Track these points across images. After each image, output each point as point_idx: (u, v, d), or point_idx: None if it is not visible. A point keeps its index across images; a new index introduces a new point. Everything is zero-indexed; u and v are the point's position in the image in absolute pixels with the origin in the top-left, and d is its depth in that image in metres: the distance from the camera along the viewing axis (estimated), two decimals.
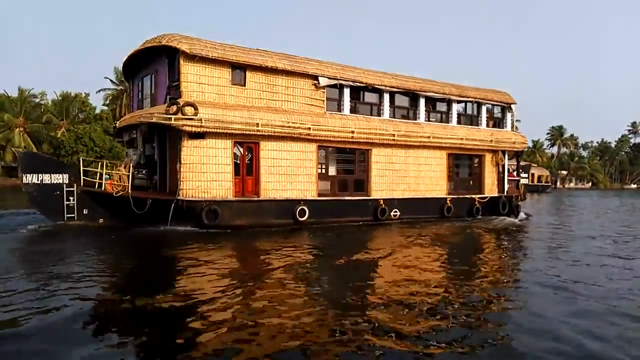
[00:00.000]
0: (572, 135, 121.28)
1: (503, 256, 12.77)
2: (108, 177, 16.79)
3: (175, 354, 5.26)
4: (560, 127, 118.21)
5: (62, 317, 6.33)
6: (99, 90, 67.55)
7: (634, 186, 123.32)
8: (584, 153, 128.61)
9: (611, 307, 7.19)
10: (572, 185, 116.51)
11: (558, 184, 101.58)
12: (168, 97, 16.25)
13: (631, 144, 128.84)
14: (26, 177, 15.41)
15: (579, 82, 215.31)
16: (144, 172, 17.20)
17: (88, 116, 65.00)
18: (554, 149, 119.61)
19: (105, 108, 67.85)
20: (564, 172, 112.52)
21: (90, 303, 7.06)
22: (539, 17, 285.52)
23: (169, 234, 14.85)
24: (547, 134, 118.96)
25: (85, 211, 16.17)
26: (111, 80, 66.87)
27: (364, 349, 5.37)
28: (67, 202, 15.86)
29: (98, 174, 17.03)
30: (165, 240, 14.02)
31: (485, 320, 6.59)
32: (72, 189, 15.94)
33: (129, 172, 16.19)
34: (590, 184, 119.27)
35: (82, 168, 16.28)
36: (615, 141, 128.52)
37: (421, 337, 5.75)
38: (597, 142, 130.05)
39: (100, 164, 17.18)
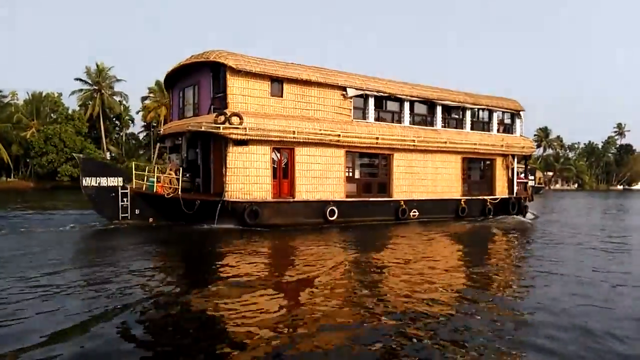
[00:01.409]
0: (558, 137, 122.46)
1: (516, 249, 14.41)
2: (154, 180, 18.44)
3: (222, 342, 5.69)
4: (546, 129, 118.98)
5: (126, 302, 7.19)
6: (73, 93, 68.19)
7: (619, 187, 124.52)
8: (571, 154, 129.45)
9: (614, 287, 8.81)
10: (557, 186, 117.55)
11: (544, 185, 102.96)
12: (212, 107, 17.94)
13: (617, 146, 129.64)
14: (85, 180, 17.05)
15: (565, 83, 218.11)
16: (187, 175, 18.81)
17: (60, 116, 65.22)
18: (540, 150, 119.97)
19: (78, 109, 68.17)
20: (550, 174, 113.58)
21: (153, 291, 7.95)
22: (524, 17, 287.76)
23: (217, 232, 16.43)
24: (534, 135, 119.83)
25: (137, 211, 17.81)
26: (83, 81, 67.55)
27: (383, 331, 6.08)
28: (122, 203, 17.50)
29: (145, 177, 18.72)
30: (214, 237, 15.62)
31: (514, 307, 7.59)
32: (126, 191, 17.58)
33: (178, 175, 17.81)
34: (576, 185, 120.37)
35: (134, 172, 17.95)
36: (602, 142, 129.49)
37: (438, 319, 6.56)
38: (584, 144, 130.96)
39: (147, 168, 18.83)
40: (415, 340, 5.74)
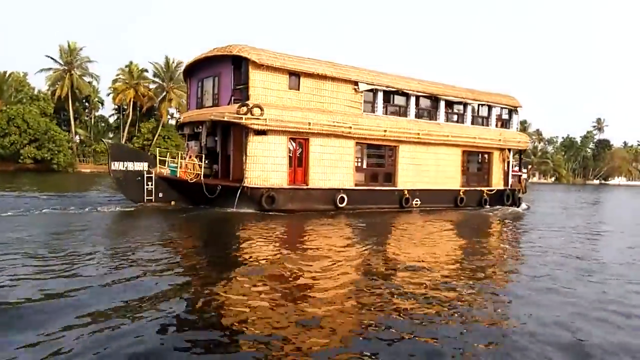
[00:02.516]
0: (537, 130, 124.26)
1: (512, 236, 15.70)
2: (176, 165, 19.60)
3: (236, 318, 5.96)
4: (524, 122, 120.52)
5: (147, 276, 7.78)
6: (40, 71, 67.05)
7: (596, 182, 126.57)
8: (549, 148, 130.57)
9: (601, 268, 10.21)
10: (534, 179, 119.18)
11: None
12: (233, 98, 19.09)
13: (595, 140, 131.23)
14: (114, 164, 18.20)
15: (546, 78, 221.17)
16: (206, 162, 19.97)
17: (25, 96, 64.60)
18: None
19: (47, 89, 67.35)
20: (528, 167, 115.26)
21: (179, 269, 8.56)
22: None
23: (237, 215, 17.63)
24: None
25: (160, 194, 19.00)
26: (54, 60, 66.56)
27: (385, 311, 6.46)
28: (147, 187, 18.68)
29: (167, 162, 19.86)
30: (236, 219, 16.71)
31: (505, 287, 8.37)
32: (151, 175, 18.74)
33: (200, 162, 19.00)
34: (553, 178, 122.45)
35: (158, 157, 19.11)
36: (581, 137, 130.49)
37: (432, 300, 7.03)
38: (563, 138, 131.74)
39: (169, 154, 20.00)
40: (419, 320, 6.08)
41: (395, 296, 7.11)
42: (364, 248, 11.50)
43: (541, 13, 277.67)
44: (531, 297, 7.33)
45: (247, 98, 18.14)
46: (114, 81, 71.45)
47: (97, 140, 71.71)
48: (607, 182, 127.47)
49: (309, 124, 18.88)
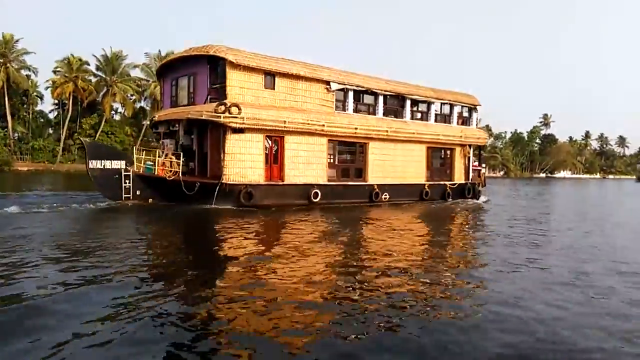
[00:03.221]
0: (487, 126, 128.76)
1: (473, 226, 16.93)
2: (152, 164, 19.86)
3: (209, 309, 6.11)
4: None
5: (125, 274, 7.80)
6: None
7: (542, 175, 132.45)
8: (498, 143, 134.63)
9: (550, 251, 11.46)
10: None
11: None
12: (209, 97, 19.53)
13: (542, 135, 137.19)
14: (92, 162, 18.32)
15: (496, 74, 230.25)
16: (182, 159, 20.29)
17: None
18: None
19: None
20: None
21: (159, 262, 8.87)
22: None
23: (217, 211, 18.06)
24: None
25: (138, 192, 19.24)
26: None
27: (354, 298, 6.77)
28: (125, 185, 18.88)
29: (142, 160, 20.08)
30: (216, 215, 17.14)
31: (462, 275, 8.82)
32: (129, 173, 18.96)
33: (177, 159, 19.34)
34: (502, 172, 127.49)
35: (135, 156, 19.34)
36: (528, 132, 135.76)
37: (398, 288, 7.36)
38: (511, 133, 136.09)
39: (143, 152, 20.25)
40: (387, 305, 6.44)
41: (370, 285, 7.44)
42: (339, 240, 12.10)
43: (489, 12, 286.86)
44: (489, 278, 8.15)
45: (225, 97, 18.63)
46: (53, 74, 68.39)
47: (36, 137, 69.00)
48: (553, 176, 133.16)
49: (285, 122, 19.56)
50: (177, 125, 20.43)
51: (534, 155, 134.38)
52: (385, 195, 23.12)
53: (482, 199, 27.08)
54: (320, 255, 10.09)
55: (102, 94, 70.06)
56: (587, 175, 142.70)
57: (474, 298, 6.95)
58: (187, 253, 10.29)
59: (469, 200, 26.01)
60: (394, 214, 19.42)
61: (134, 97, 72.72)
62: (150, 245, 11.08)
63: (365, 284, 7.54)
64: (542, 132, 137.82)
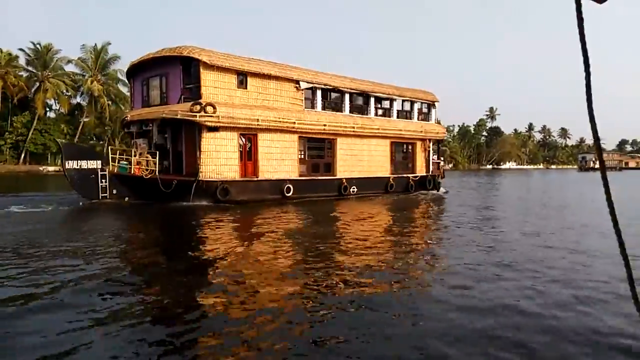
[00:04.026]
0: (436, 120, 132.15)
1: (433, 215, 18.21)
2: (126, 163, 20.12)
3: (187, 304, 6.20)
4: None
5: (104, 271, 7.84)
6: None
7: (489, 167, 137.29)
8: (447, 136, 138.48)
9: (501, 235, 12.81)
10: None
11: None
12: (182, 97, 19.98)
13: (488, 128, 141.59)
14: (68, 163, 18.45)
15: (443, 69, 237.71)
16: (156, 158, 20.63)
17: None
18: None
19: None
20: None
21: (137, 261, 8.89)
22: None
23: (195, 207, 18.50)
24: None
25: (114, 191, 19.48)
26: None
27: (326, 285, 7.01)
28: (101, 184, 19.09)
29: (117, 160, 20.30)
30: (194, 212, 17.52)
31: (423, 260, 9.81)
32: (105, 172, 19.18)
33: (154, 158, 19.70)
34: (451, 165, 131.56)
35: (110, 155, 19.56)
36: (474, 125, 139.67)
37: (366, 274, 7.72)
38: (459, 126, 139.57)
39: (118, 151, 20.49)
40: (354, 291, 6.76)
41: (344, 272, 7.87)
42: (313, 232, 12.80)
43: (438, 10, 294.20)
44: (447, 261, 9.02)
45: (199, 97, 19.13)
46: None
47: None
48: (499, 167, 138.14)
49: (258, 120, 20.26)
50: (150, 125, 20.72)
51: (480, 147, 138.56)
52: (353, 188, 24.19)
53: (442, 190, 28.63)
54: (296, 246, 10.53)
55: (33, 90, 65.13)
56: (531, 166, 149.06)
57: (440, 281, 7.44)
58: (169, 249, 10.58)
59: (430, 191, 27.49)
60: (362, 206, 20.42)
61: (69, 93, 68.50)
62: (135, 242, 11.49)
63: (339, 273, 7.83)
64: (488, 125, 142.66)
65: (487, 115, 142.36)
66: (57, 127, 67.20)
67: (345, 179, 23.87)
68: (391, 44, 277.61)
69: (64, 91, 66.66)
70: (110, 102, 67.56)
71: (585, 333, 5.10)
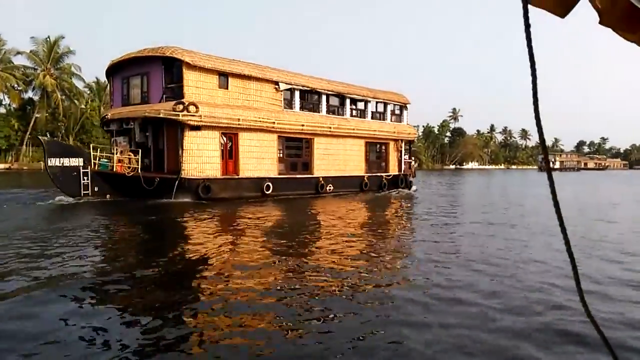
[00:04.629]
0: None
1: (405, 211, 19.21)
2: (107, 161, 20.34)
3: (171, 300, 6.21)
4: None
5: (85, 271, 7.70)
6: None
7: (452, 167, 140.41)
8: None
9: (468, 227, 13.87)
10: None
11: None
12: (164, 96, 20.32)
13: (451, 129, 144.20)
14: (51, 160, 18.56)
15: (410, 72, 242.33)
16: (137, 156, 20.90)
17: None
18: None
19: None
20: None
21: (115, 261, 8.72)
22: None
23: (177, 204, 18.78)
24: None
25: (96, 188, 19.68)
26: None
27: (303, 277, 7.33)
28: (83, 181, 19.28)
29: (98, 157, 20.49)
30: (177, 208, 17.66)
31: (395, 251, 10.56)
32: (87, 170, 19.37)
33: (136, 156, 19.98)
34: (416, 165, 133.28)
35: (92, 153, 19.76)
36: (438, 126, 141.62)
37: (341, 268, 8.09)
38: (423, 126, 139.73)
39: (99, 149, 20.69)
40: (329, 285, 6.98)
41: (324, 268, 8.08)
42: (292, 229, 13.30)
43: (400, 15, 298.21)
44: (419, 252, 9.88)
45: (181, 96, 19.53)
46: None
47: None
48: (462, 167, 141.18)
49: (239, 120, 20.80)
50: (131, 123, 20.96)
51: (444, 147, 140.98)
52: (330, 186, 24.97)
53: (413, 188, 29.76)
54: (275, 242, 10.82)
55: None
56: (493, 166, 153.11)
57: (411, 275, 7.84)
58: (153, 245, 10.88)
59: (402, 189, 28.55)
60: (339, 204, 21.18)
61: (20, 88, 64.67)
62: (121, 238, 11.72)
63: (319, 268, 8.13)
64: (452, 126, 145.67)
65: (450, 116, 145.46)
66: (7, 122, 63.49)
67: (322, 177, 24.63)
68: (355, 43, 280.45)
69: (15, 85, 63.26)
70: (64, 98, 64.19)
71: (533, 323, 5.41)
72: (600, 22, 1.26)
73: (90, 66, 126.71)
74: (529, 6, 1.05)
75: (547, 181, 1.23)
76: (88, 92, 71.00)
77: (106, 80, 23.93)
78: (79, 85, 66.62)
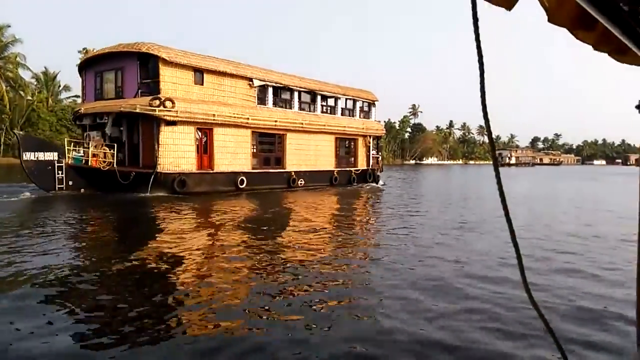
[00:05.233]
0: None
1: (373, 204, 20.18)
2: (80, 155, 20.37)
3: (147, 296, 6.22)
4: None
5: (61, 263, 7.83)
6: None
7: (412, 162, 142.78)
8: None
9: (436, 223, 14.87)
10: None
11: None
12: (140, 91, 20.51)
13: (411, 124, 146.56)
14: (26, 155, 18.52)
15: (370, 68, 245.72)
16: (111, 150, 21.00)
17: None
18: None
19: None
20: None
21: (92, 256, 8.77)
22: None
23: (153, 198, 19.01)
24: None
25: (70, 182, 19.72)
26: None
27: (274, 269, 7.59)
28: (58, 175, 19.29)
29: (71, 152, 20.49)
30: (153, 202, 17.90)
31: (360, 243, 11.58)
32: (61, 164, 19.39)
33: (111, 151, 20.11)
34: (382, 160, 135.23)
35: (66, 147, 19.76)
36: (399, 121, 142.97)
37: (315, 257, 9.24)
38: (384, 122, 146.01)
39: (73, 143, 20.70)
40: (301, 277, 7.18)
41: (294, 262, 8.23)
42: (267, 222, 13.71)
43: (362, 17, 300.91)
44: (387, 240, 10.81)
45: (157, 92, 19.78)
46: None
47: None
48: (421, 162, 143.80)
49: (214, 115, 21.20)
50: (105, 118, 21.01)
51: (404, 143, 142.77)
52: (301, 181, 25.65)
53: (381, 182, 30.77)
54: (249, 234, 11.17)
55: None
56: (451, 162, 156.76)
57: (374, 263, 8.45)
58: (129, 239, 11.06)
59: (370, 183, 29.53)
60: (310, 197, 21.89)
61: None
62: (95, 232, 11.79)
63: (290, 257, 8.55)
64: (412, 122, 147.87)
65: (410, 112, 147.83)
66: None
67: (294, 171, 25.28)
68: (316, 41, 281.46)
69: None
70: (8, 89, 60.95)
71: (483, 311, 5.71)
72: (549, 21, 1.27)
73: (38, 56, 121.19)
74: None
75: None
76: (35, 83, 68.48)
77: (79, 75, 23.62)
78: (26, 76, 63.91)
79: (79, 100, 69.61)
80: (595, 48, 1.34)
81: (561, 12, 1.23)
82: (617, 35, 1.01)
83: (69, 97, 70.77)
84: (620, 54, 1.34)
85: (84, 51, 75.57)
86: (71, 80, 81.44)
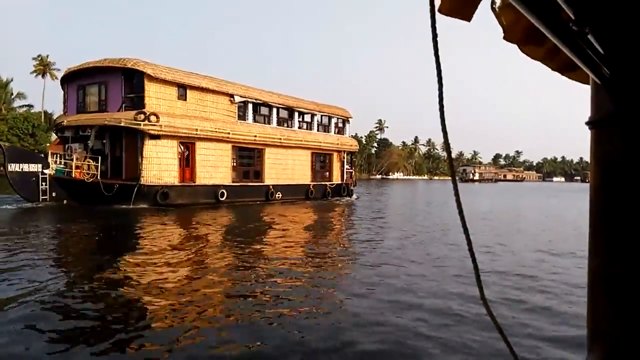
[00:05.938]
0: None
1: (346, 217, 20.99)
2: (63, 166, 20.66)
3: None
4: None
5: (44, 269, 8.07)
6: None
7: (379, 176, 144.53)
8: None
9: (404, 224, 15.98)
10: None
11: None
12: (124, 105, 21.00)
13: (377, 139, 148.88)
14: (11, 166, 18.74)
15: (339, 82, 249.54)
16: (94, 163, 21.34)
17: None
18: None
19: None
20: None
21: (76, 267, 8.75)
22: None
23: (136, 210, 19.45)
24: None
25: (54, 194, 19.97)
26: None
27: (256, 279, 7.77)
28: (42, 186, 19.54)
29: (55, 164, 20.75)
30: (137, 214, 18.28)
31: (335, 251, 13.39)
32: (45, 175, 19.65)
33: (95, 163, 20.46)
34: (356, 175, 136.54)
35: (50, 159, 20.05)
36: (365, 136, 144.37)
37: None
38: (352, 136, 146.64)
39: (55, 155, 20.96)
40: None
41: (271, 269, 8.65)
42: (246, 234, 13.94)
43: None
44: (359, 249, 11.82)
45: (142, 106, 20.33)
46: None
47: None
48: (387, 177, 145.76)
49: (196, 130, 21.84)
50: (88, 130, 21.37)
51: (371, 157, 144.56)
52: (279, 194, 26.41)
53: (354, 196, 31.83)
54: (228, 245, 11.65)
55: None
56: (417, 177, 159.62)
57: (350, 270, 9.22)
58: (111, 249, 11.14)
59: (345, 197, 30.54)
60: (287, 210, 22.48)
61: None
62: (81, 241, 12.23)
63: (268, 268, 8.79)
64: (378, 137, 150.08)
65: (376, 127, 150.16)
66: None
67: (272, 185, 26.04)
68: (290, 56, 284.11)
69: None
70: None
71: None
72: (505, 38, 1.27)
73: None
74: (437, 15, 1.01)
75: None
76: None
77: (61, 87, 23.88)
78: None
79: (33, 110, 68.71)
80: (544, 63, 1.37)
81: (516, 29, 1.25)
82: (567, 52, 1.04)
83: (21, 107, 69.16)
84: (570, 70, 1.38)
85: (39, 58, 75.14)
86: (25, 88, 79.57)
